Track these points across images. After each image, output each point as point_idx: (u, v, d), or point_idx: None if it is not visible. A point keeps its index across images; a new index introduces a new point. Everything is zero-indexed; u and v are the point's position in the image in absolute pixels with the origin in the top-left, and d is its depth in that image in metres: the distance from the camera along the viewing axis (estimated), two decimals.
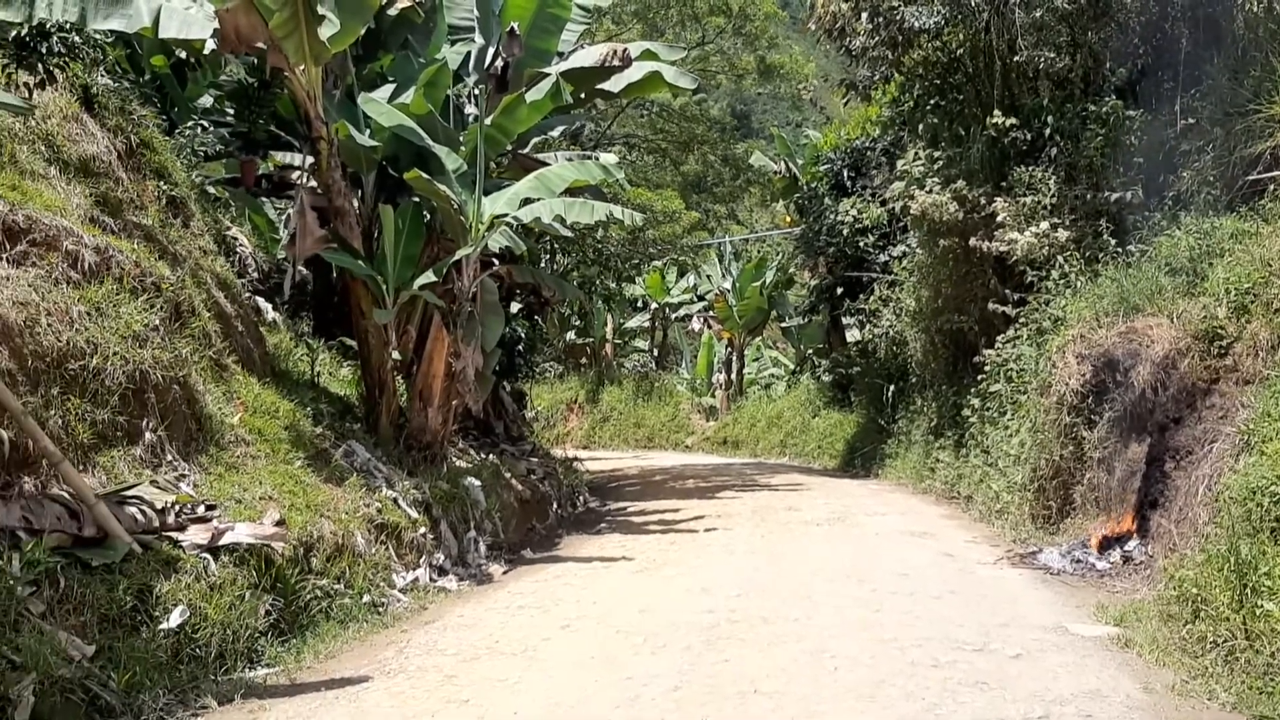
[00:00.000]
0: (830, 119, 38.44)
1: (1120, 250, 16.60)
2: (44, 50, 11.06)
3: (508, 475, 18.56)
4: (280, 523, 10.63)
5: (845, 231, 28.66)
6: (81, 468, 9.34)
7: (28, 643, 7.38)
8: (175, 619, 8.69)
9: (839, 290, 31.71)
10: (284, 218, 22.83)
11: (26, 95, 10.83)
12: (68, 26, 11.08)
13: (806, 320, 37.92)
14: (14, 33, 10.87)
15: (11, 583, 7.74)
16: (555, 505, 20.63)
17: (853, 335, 34.57)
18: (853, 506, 19.94)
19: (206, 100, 19.03)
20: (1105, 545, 13.17)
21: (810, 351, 39.85)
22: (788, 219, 40.81)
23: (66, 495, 8.94)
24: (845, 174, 30.46)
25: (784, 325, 43.74)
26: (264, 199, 20.52)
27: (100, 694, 7.73)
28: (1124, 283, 14.68)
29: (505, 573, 14.48)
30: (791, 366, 43.70)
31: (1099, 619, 10.60)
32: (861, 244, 29.00)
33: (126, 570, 8.71)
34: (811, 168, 33.61)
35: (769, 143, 50.30)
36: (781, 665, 9.22)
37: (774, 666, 9.18)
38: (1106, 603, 11.18)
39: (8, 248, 9.77)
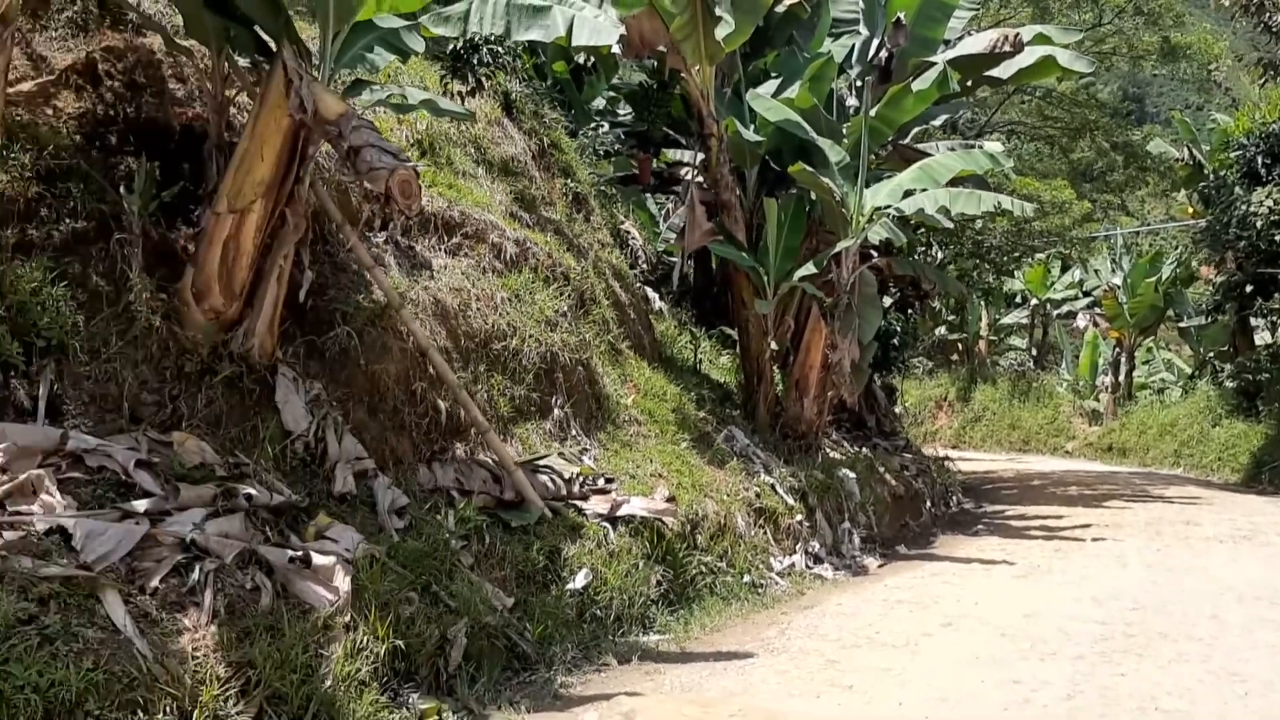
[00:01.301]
0: (1237, 101, 34.71)
1: None
2: (474, 61, 12.32)
3: (881, 469, 18.40)
4: (670, 499, 11.21)
5: (1259, 224, 25.78)
6: (502, 437, 10.32)
7: (461, 590, 8.27)
8: (580, 580, 9.41)
9: (1249, 288, 28.63)
10: (663, 211, 23.95)
11: (460, 102, 12.10)
12: (493, 39, 12.27)
13: (1209, 320, 34.46)
14: (450, 47, 12.18)
15: (447, 536, 8.71)
16: (929, 503, 20.20)
17: (1263, 338, 31.15)
18: (1262, 524, 18.01)
19: (599, 102, 20.35)
20: None
21: (1211, 355, 36.23)
22: (1190, 210, 37.33)
23: (491, 461, 9.93)
24: (1260, 161, 27.40)
25: (1181, 325, 40.04)
26: (646, 194, 21.61)
27: (518, 642, 8.53)
28: None
29: (880, 566, 14.41)
30: (1188, 370, 39.98)
31: None
32: (1278, 238, 26.03)
33: (539, 532, 9.53)
34: (1220, 154, 30.52)
35: (1165, 127, 46.21)
36: (1184, 684, 8.56)
37: (1176, 685, 8.55)
38: None
39: (446, 240, 10.98)
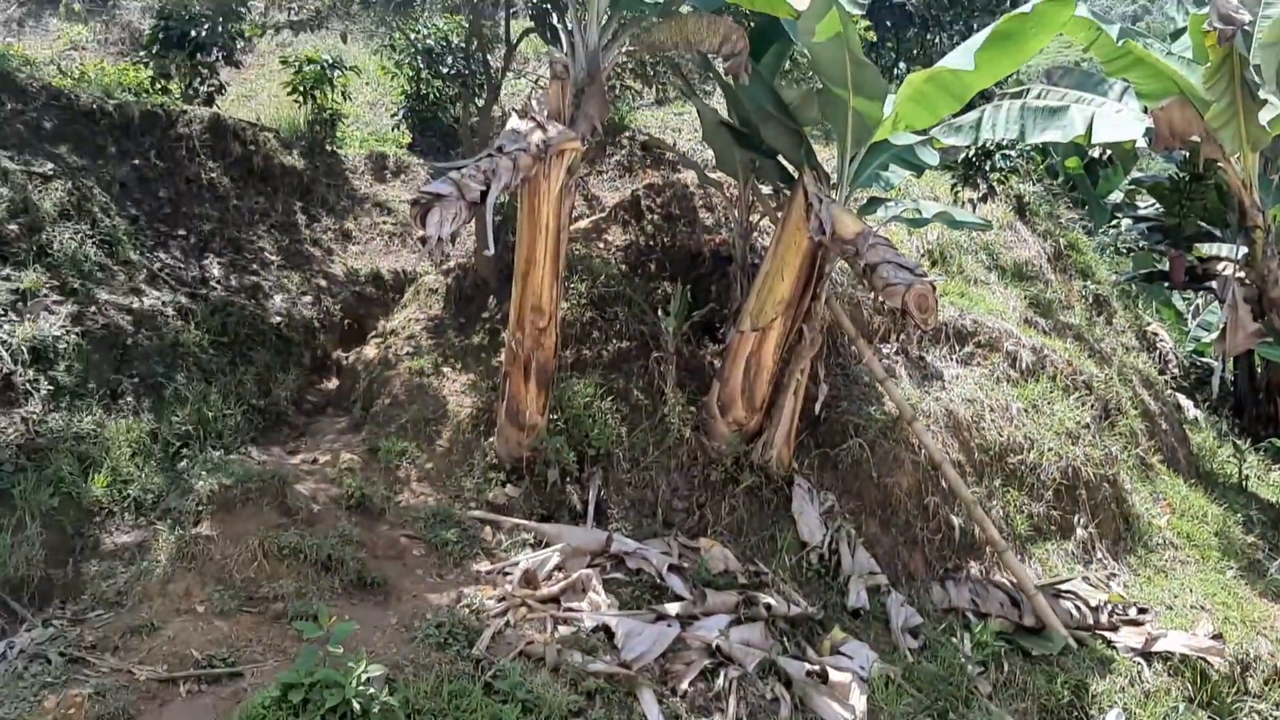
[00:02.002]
0: None
1: None
2: (986, 168, 12.13)
3: None
4: (1216, 636, 9.92)
5: None
6: (1020, 557, 9.79)
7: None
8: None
9: None
10: (1191, 308, 21.76)
11: (971, 210, 11.95)
12: (1006, 144, 12.03)
13: None
14: (961, 155, 12.11)
15: (964, 660, 8.36)
16: None
17: None
18: None
19: (1116, 195, 19.09)
20: None
21: None
22: None
23: (1008, 583, 9.44)
24: None
25: None
26: (1171, 290, 19.81)
27: None
28: None
29: None
30: None
31: None
32: None
33: (1063, 663, 8.84)
34: None
35: None
36: None
37: None
38: None
39: (958, 349, 10.79)
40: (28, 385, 8.42)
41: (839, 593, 8.67)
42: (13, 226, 9.35)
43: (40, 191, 9.87)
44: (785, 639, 7.85)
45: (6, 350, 8.43)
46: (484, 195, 7.40)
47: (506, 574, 7.88)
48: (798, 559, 8.75)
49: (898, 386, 9.91)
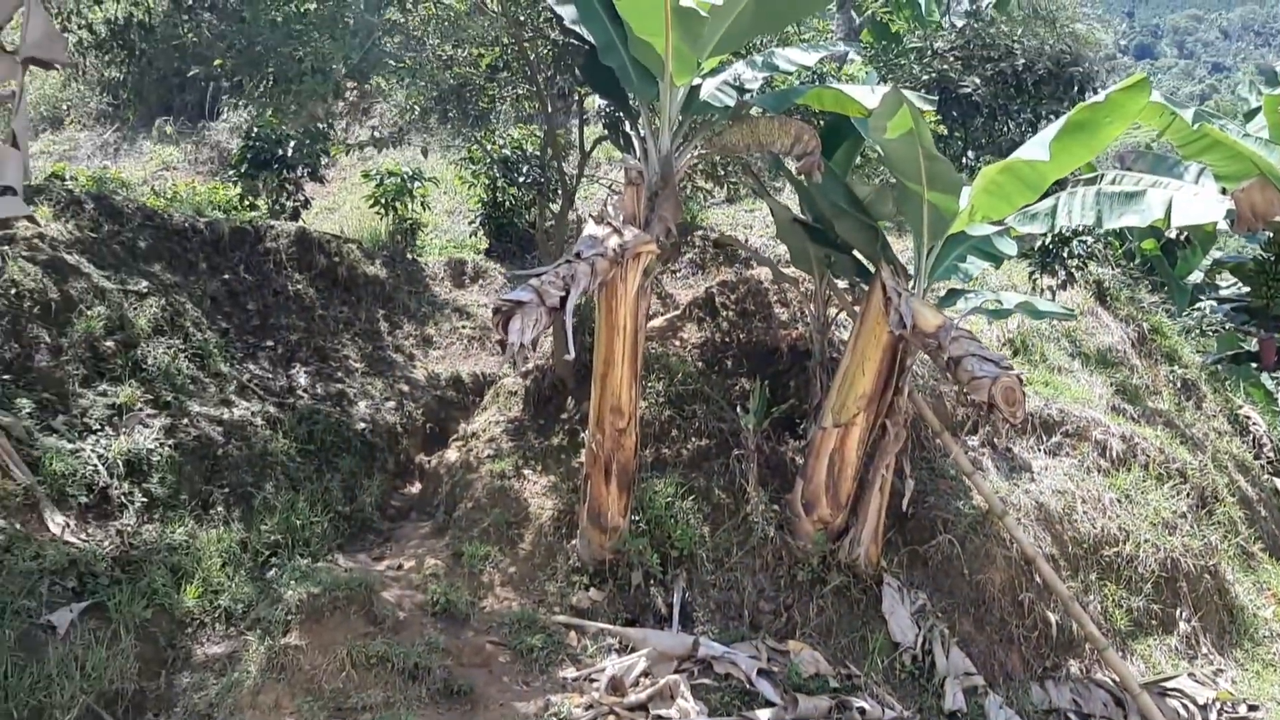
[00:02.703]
0: None
1: None
2: (1064, 255, 12.00)
3: None
4: None
5: None
6: (1120, 654, 9.42)
7: None
8: None
9: None
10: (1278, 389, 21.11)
11: (1050, 297, 11.79)
12: (1083, 230, 11.90)
13: None
14: (1038, 242, 12.01)
15: None
16: None
17: None
18: None
19: (1195, 276, 18.73)
20: None
21: None
22: None
23: (1110, 681, 9.08)
24: None
25: None
26: (1261, 372, 19.28)
27: None
28: None
29: None
30: None
31: None
32: None
33: None
34: None
35: None
36: None
37: None
38: None
39: (1045, 439, 10.57)
40: (123, 498, 8.62)
41: (934, 695, 8.40)
42: (109, 343, 9.68)
43: (135, 308, 10.23)
44: None
45: (104, 464, 8.65)
46: (563, 301, 7.50)
47: (593, 680, 7.78)
48: (890, 660, 8.51)
49: (985, 480, 9.71)
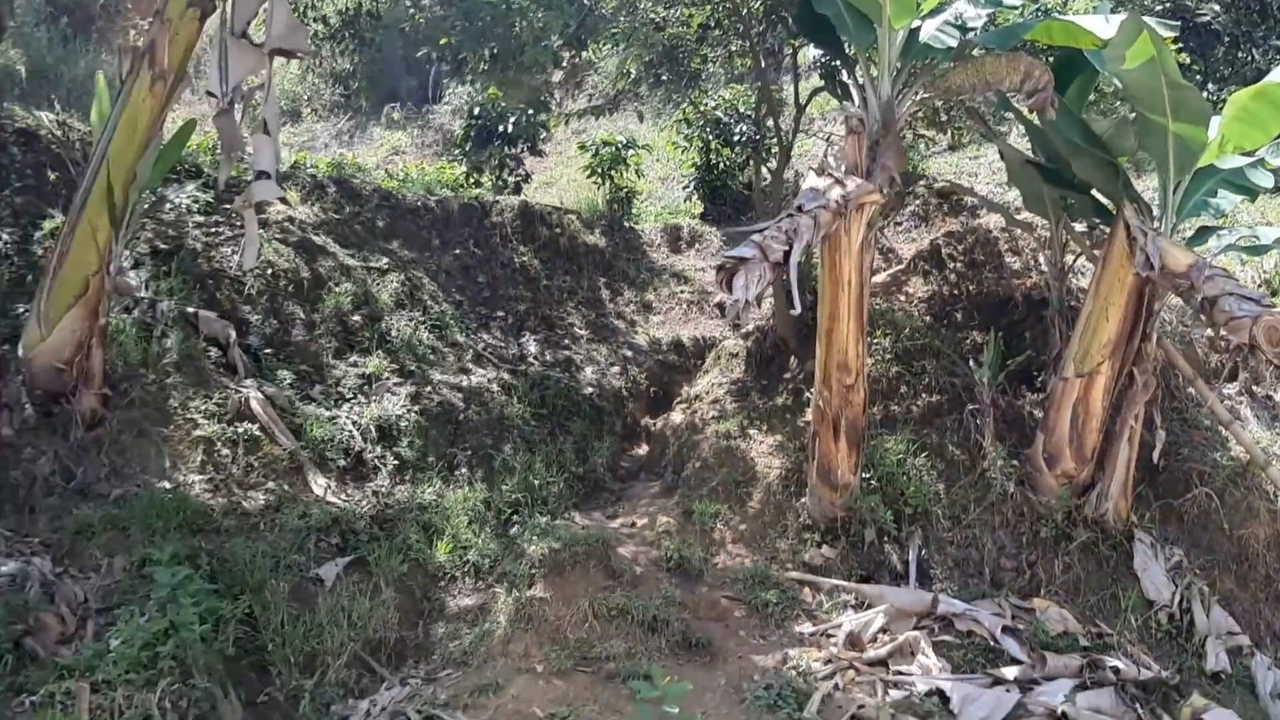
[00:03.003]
0: None
1: None
2: None
3: None
4: None
5: None
6: None
7: None
8: None
9: None
10: None
11: None
12: None
13: None
14: None
15: None
16: None
17: None
18: None
19: None
20: None
21: None
22: None
23: None
24: None
25: None
26: None
27: None
28: None
29: None
30: None
31: None
32: None
33: None
34: None
35: None
36: None
37: None
38: None
39: None
40: (376, 461, 9.19)
41: (1194, 655, 7.91)
42: (357, 317, 10.30)
43: (378, 284, 10.85)
44: (1139, 705, 7.23)
45: (358, 430, 9.24)
46: (786, 255, 7.43)
47: (830, 636, 7.74)
48: (1144, 619, 8.07)
49: (1244, 429, 9.04)
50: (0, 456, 7.56)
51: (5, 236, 9.10)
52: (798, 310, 7.51)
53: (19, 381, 7.85)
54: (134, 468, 7.91)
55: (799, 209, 7.72)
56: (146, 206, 9.09)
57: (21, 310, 8.48)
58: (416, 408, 9.69)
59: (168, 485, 7.82)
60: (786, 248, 7.39)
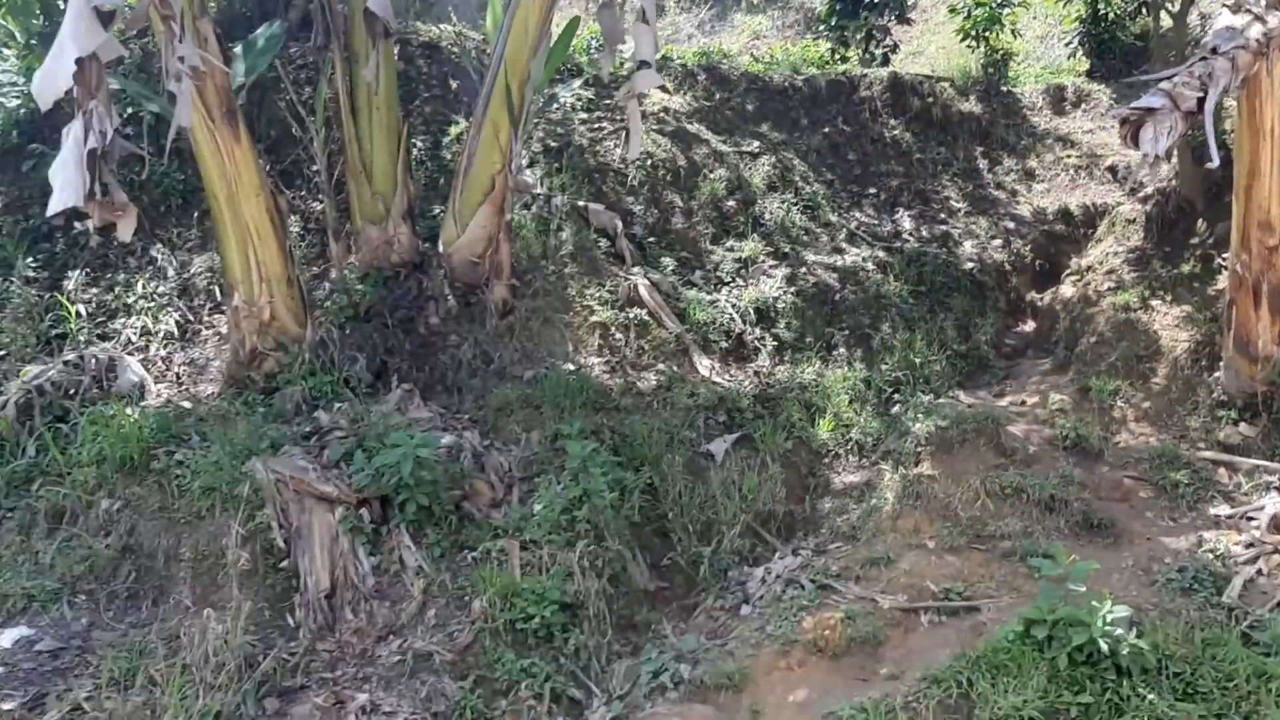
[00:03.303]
0: None
1: None
2: None
3: None
4: None
5: None
6: None
7: None
8: None
9: None
10: None
11: None
12: None
13: None
14: None
15: None
16: None
17: None
18: None
19: None
20: None
21: None
22: None
23: None
24: None
25: None
26: None
27: None
28: None
29: None
30: None
31: None
32: None
33: None
34: None
35: None
36: None
37: None
38: None
39: None
40: (756, 342, 9.41)
41: None
42: (731, 202, 10.49)
43: (749, 168, 10.96)
44: None
45: (737, 312, 9.49)
46: (1201, 103, 6.75)
47: (1250, 519, 7.10)
48: None
49: None
50: (430, 343, 8.49)
51: (419, 144, 10.04)
52: (1215, 163, 6.82)
53: (441, 275, 8.72)
54: (541, 351, 8.61)
55: (1213, 51, 6.99)
56: (539, 105, 9.67)
57: (437, 211, 9.37)
58: (793, 289, 9.78)
59: (571, 367, 8.46)
60: (1200, 94, 6.74)
